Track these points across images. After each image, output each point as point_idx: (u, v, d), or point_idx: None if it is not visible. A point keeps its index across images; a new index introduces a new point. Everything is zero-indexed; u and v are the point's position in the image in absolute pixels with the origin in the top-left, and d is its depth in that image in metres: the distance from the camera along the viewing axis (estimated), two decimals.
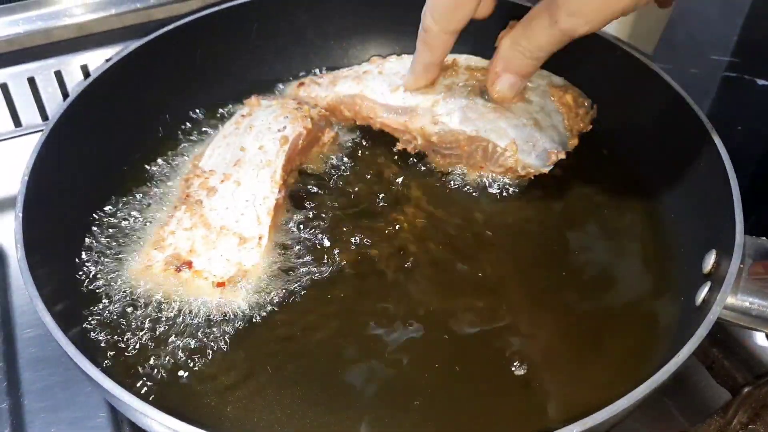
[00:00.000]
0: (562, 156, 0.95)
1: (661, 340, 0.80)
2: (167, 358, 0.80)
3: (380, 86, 1.05)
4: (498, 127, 0.96)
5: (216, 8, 1.10)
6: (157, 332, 0.82)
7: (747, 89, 1.36)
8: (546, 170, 0.95)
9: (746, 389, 0.81)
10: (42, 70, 1.14)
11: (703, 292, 0.76)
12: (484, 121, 0.96)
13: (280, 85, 1.14)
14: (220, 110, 1.10)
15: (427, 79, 0.99)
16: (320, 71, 1.17)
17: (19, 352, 0.92)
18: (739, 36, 1.43)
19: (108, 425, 0.84)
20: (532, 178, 0.97)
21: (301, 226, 0.93)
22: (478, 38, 1.10)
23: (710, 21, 1.46)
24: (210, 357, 0.80)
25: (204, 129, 1.07)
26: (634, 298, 0.87)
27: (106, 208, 0.94)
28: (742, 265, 0.74)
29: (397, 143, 1.04)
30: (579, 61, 1.04)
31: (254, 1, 1.11)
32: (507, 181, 0.99)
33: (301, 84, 1.12)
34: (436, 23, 0.86)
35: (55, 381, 0.89)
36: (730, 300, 0.72)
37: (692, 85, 1.10)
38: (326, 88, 1.09)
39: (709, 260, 0.79)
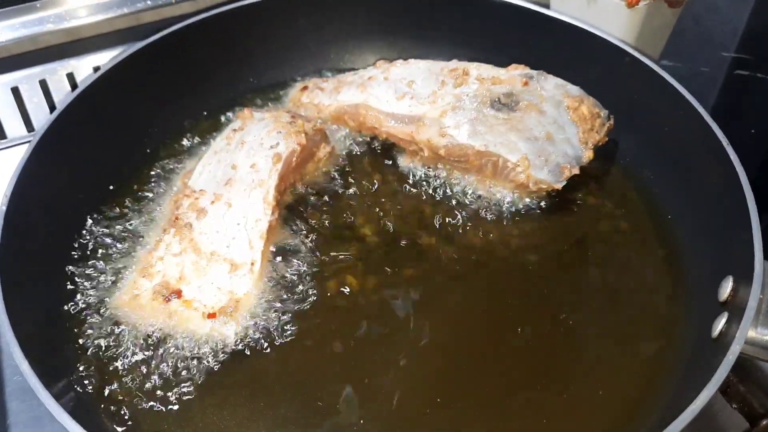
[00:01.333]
0: (576, 171, 0.92)
1: (675, 372, 0.77)
2: (154, 393, 0.77)
3: (385, 93, 1.01)
4: (509, 141, 0.92)
5: (206, 14, 1.06)
6: (145, 366, 0.79)
7: (758, 87, 1.31)
8: (559, 186, 0.91)
9: (764, 421, 0.77)
10: (27, 79, 1.10)
11: (720, 323, 0.73)
12: (493, 135, 0.92)
13: (275, 93, 1.11)
14: (213, 122, 1.06)
15: None
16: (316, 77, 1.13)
17: (5, 380, 0.88)
18: (749, 32, 1.38)
19: None
20: (544, 194, 0.94)
21: (296, 250, 0.89)
22: (488, 46, 1.06)
23: (720, 17, 1.41)
24: (200, 392, 0.77)
25: (195, 141, 1.03)
26: (644, 326, 0.83)
27: (92, 230, 0.91)
28: (762, 296, 0.69)
29: (399, 157, 1.00)
30: (586, 69, 1.01)
31: (244, 7, 1.07)
32: (517, 197, 0.95)
33: (305, 88, 1.08)
34: None
35: (44, 411, 0.83)
36: (750, 334, 0.68)
37: (702, 84, 1.06)
38: (329, 95, 1.05)
39: (726, 288, 0.75)
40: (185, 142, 1.03)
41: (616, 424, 0.74)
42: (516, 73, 1.00)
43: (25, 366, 0.69)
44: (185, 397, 0.77)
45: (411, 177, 0.99)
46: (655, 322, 0.83)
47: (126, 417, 0.75)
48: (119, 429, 0.74)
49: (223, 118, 1.06)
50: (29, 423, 0.84)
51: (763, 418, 0.79)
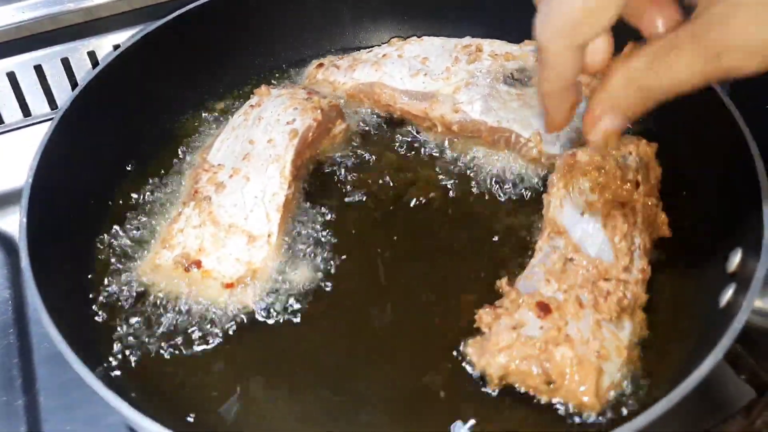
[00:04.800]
0: None
1: (682, 342, 0.77)
2: (176, 358, 0.79)
3: (399, 71, 1.02)
4: (521, 117, 0.93)
5: None
6: (166, 332, 0.81)
7: None
8: None
9: None
10: (49, 57, 1.12)
11: (728, 294, 0.74)
12: (506, 111, 0.93)
13: (291, 70, 1.12)
14: (231, 99, 1.08)
15: (564, 112, 0.68)
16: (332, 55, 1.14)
17: (34, 348, 0.91)
18: None
19: (124, 423, 0.84)
20: None
21: (312, 222, 0.91)
22: (501, 22, 1.06)
23: None
24: (219, 358, 0.79)
25: (213, 117, 1.05)
26: (654, 297, 0.83)
27: (115, 204, 0.93)
28: None
29: (413, 133, 1.01)
30: None
31: None
32: (528, 172, 0.95)
33: (321, 65, 1.09)
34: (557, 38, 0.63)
35: (71, 377, 0.86)
36: (757, 303, 0.69)
37: None
38: (345, 73, 1.06)
39: (734, 260, 0.76)
40: (203, 118, 1.05)
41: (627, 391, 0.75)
42: (529, 48, 1.00)
43: (53, 333, 0.71)
44: (204, 364, 0.79)
45: (425, 152, 1.00)
46: (665, 293, 0.84)
47: (149, 381, 0.78)
48: (143, 392, 0.76)
49: (240, 95, 1.08)
50: (57, 389, 0.87)
51: None
